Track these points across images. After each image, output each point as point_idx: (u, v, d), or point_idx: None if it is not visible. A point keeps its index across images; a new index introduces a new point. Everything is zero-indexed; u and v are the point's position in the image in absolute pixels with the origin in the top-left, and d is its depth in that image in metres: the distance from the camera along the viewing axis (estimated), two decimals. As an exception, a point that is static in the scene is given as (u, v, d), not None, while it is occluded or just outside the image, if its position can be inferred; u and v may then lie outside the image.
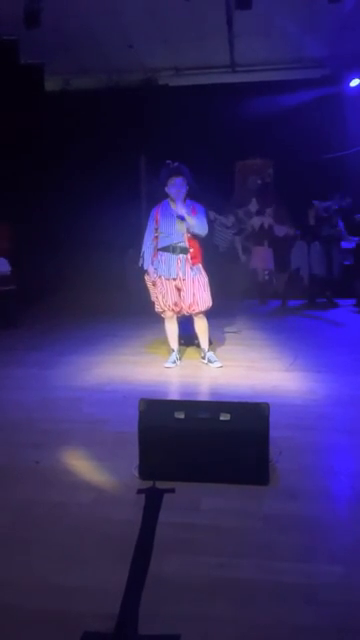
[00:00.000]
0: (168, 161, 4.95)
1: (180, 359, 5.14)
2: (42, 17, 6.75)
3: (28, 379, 4.77)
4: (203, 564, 2.29)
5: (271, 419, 2.87)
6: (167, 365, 4.99)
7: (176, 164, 4.93)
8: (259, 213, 9.11)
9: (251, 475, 2.82)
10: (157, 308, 5.03)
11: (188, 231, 4.80)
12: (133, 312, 7.15)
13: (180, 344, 5.22)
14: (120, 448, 3.25)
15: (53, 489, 2.88)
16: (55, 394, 4.36)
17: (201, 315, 5.00)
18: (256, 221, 8.87)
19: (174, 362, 5.02)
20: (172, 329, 5.09)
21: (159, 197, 4.98)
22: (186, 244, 4.83)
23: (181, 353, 5.33)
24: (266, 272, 8.66)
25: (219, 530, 2.52)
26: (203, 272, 4.92)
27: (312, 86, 9.24)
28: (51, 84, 9.38)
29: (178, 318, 5.13)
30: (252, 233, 8.80)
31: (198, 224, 4.79)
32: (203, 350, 5.09)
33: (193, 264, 4.84)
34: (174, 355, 5.06)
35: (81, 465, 3.13)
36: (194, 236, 4.84)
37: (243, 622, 1.98)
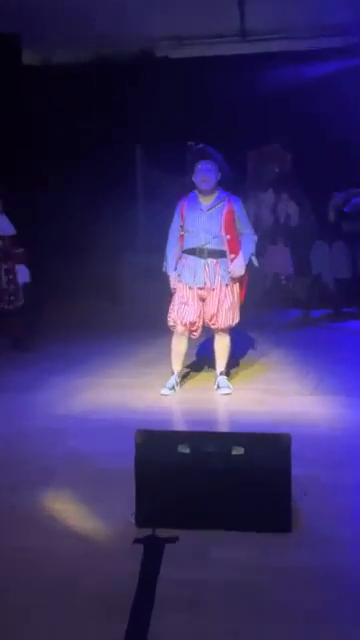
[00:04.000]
0: (190, 142, 4.89)
1: (180, 385, 5.08)
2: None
3: (3, 404, 4.76)
4: (212, 631, 2.27)
5: (293, 453, 2.86)
6: (163, 392, 4.88)
7: (200, 145, 4.86)
8: (274, 205, 9.12)
9: (270, 520, 2.82)
10: (169, 320, 4.97)
11: (228, 232, 4.72)
12: (128, 326, 7.15)
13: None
14: (112, 489, 3.23)
15: (33, 539, 2.86)
16: (34, 423, 4.35)
17: (223, 332, 4.96)
18: (267, 212, 8.85)
19: (172, 388, 4.96)
20: (179, 349, 5.01)
21: (187, 188, 4.92)
22: (222, 246, 4.75)
23: (188, 377, 5.31)
24: (283, 277, 8.65)
25: (231, 588, 2.50)
26: (236, 283, 4.87)
27: (336, 57, 9.31)
28: (29, 57, 9.46)
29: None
30: (265, 229, 8.81)
31: (252, 240, 4.79)
32: (216, 374, 5.08)
33: (237, 276, 4.81)
34: (173, 379, 5.00)
35: (66, 509, 3.12)
36: (234, 234, 4.77)
37: None
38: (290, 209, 8.77)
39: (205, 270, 4.79)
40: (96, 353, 6.33)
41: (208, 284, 4.81)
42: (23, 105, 8.91)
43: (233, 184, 5.00)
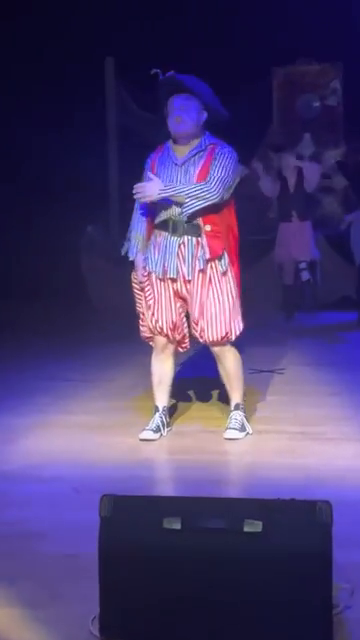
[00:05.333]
0: (155, 70, 4.89)
1: (170, 425, 5.09)
2: None
3: None
4: None
5: (337, 530, 2.82)
6: (142, 436, 4.93)
7: (170, 73, 4.82)
8: (315, 159, 9.21)
9: (302, 633, 2.78)
10: (142, 329, 5.01)
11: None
12: (95, 337, 7.19)
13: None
14: (67, 584, 3.23)
15: None
16: None
17: (218, 349, 4.95)
18: (311, 169, 8.95)
19: (156, 430, 4.98)
20: (162, 371, 5.03)
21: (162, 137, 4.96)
22: (198, 219, 4.77)
23: (179, 412, 5.31)
24: (303, 264, 8.81)
25: None
26: (231, 271, 4.87)
27: None
28: None
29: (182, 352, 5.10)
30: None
31: (199, 188, 4.68)
32: (230, 407, 5.07)
33: (211, 255, 4.79)
34: (157, 417, 5.01)
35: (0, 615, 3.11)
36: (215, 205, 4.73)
37: None
38: (310, 170, 8.90)
39: (179, 254, 4.79)
40: (48, 378, 6.35)
41: (183, 273, 4.80)
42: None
43: (228, 123, 4.93)
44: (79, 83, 9.27)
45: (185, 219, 4.74)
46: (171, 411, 5.24)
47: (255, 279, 8.34)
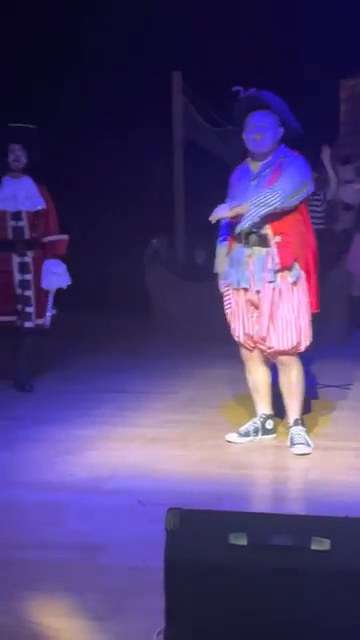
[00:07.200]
0: (236, 87, 4.95)
1: (270, 432, 5.09)
2: None
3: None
4: None
5: None
6: (230, 438, 5.02)
7: (251, 90, 4.92)
8: None
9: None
10: (233, 335, 5.11)
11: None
12: (158, 351, 7.20)
13: None
14: (130, 597, 3.23)
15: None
16: (16, 496, 4.36)
17: (286, 359, 4.97)
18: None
19: (243, 434, 5.04)
20: (251, 379, 5.11)
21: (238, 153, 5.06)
22: (268, 230, 4.80)
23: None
24: None
25: None
26: (303, 282, 4.89)
27: None
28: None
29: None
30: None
31: (261, 195, 4.70)
32: (289, 422, 5.06)
33: (281, 265, 4.80)
34: (250, 423, 5.07)
35: (62, 626, 3.10)
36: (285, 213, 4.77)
37: None
38: None
39: (249, 265, 4.84)
40: (110, 389, 6.36)
41: (254, 284, 4.84)
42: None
43: (301, 138, 4.96)
44: (146, 97, 9.34)
45: (254, 230, 4.78)
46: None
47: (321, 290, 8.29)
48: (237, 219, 4.84)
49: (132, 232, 8.92)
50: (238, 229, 4.82)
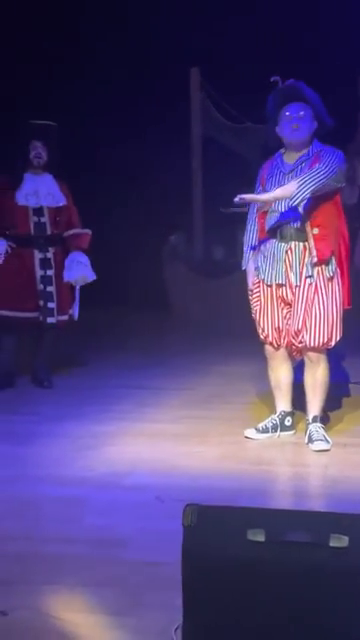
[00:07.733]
0: (274, 77, 4.90)
1: (282, 429, 5.01)
2: None
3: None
4: None
5: None
6: (249, 434, 4.97)
7: (290, 81, 4.87)
8: None
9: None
10: (259, 332, 5.04)
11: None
12: (176, 347, 7.18)
13: None
14: (149, 593, 3.20)
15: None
16: (35, 491, 4.33)
17: (315, 355, 4.94)
18: None
19: (261, 430, 5.00)
20: (273, 376, 5.04)
21: (271, 146, 4.95)
22: (306, 223, 4.73)
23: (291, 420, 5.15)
24: None
25: None
26: (338, 278, 4.86)
27: None
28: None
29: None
30: None
31: (307, 174, 4.62)
32: (308, 418, 5.02)
33: (319, 258, 4.75)
34: (269, 420, 5.02)
35: (80, 621, 3.09)
36: (322, 202, 4.69)
37: None
38: None
39: (286, 260, 4.81)
40: (129, 385, 6.35)
41: (291, 279, 4.81)
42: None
43: (332, 132, 4.91)
44: (164, 94, 9.32)
45: (293, 226, 4.75)
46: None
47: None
48: (264, 215, 4.79)
49: (150, 229, 8.92)
50: (272, 224, 4.76)
